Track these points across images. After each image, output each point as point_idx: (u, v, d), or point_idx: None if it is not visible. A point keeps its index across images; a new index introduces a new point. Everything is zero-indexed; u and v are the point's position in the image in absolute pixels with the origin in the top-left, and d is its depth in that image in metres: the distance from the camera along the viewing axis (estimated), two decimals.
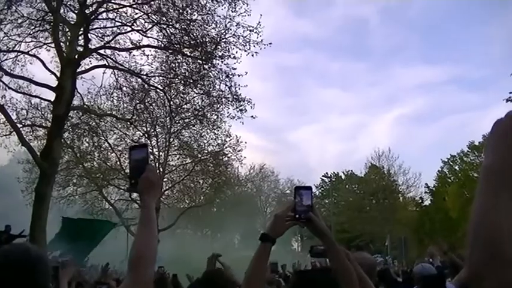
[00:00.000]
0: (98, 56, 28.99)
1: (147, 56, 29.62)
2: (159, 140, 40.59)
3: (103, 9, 27.86)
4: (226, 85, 29.68)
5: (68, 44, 26.63)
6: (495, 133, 1.62)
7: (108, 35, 28.83)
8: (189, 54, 28.98)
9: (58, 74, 26.06)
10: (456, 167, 66.92)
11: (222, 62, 28.69)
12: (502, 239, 1.43)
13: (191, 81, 29.98)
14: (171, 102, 32.57)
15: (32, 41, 28.22)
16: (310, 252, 4.17)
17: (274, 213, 3.68)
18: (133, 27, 28.40)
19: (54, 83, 26.02)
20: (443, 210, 60.52)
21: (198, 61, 29.09)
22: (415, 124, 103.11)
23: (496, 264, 1.41)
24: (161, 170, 41.23)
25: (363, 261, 5.10)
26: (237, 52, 28.17)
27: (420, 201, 69.09)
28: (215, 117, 34.00)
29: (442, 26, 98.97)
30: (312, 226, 3.45)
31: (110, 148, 38.04)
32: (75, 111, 30.43)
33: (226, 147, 40.62)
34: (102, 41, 28.77)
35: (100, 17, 28.17)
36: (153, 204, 2.88)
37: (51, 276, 2.59)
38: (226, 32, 27.98)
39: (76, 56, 26.06)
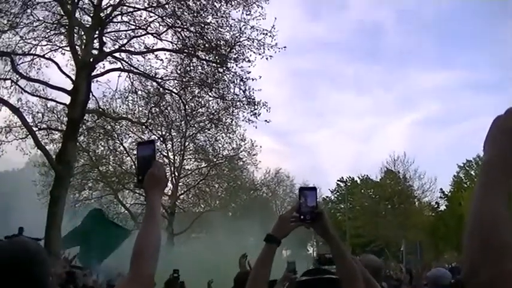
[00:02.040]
0: (113, 60, 29.06)
1: (162, 59, 29.68)
2: (174, 143, 40.88)
3: (118, 13, 27.98)
4: (240, 89, 29.61)
5: (83, 47, 26.75)
6: (495, 129, 1.66)
7: (123, 38, 28.92)
8: (203, 57, 28.99)
9: (73, 77, 26.21)
10: (472, 172, 66.63)
11: (236, 65, 28.64)
12: (498, 231, 1.45)
13: (206, 84, 29.96)
14: (186, 106, 32.55)
15: (47, 45, 28.40)
16: (317, 260, 4.16)
17: (279, 215, 3.68)
18: (147, 30, 28.53)
19: (69, 86, 26.20)
20: (459, 216, 60.28)
21: (213, 64, 29.08)
22: (430, 128, 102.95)
23: (491, 257, 1.42)
24: (176, 174, 41.46)
25: (369, 263, 5.10)
26: (251, 55, 28.16)
27: (436, 206, 68.91)
28: (230, 121, 33.91)
29: (457, 29, 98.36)
30: (317, 227, 3.44)
31: (125, 152, 38.24)
32: (90, 115, 30.49)
33: (241, 151, 40.85)
34: (116, 44, 28.90)
35: (115, 20, 28.33)
36: (158, 200, 2.86)
37: (48, 271, 2.55)
38: (241, 35, 27.98)
39: (91, 59, 26.19)
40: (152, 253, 2.64)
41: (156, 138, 36.06)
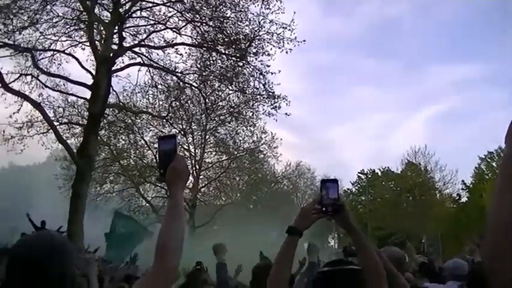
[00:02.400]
0: (133, 54, 29.21)
1: (181, 54, 29.76)
2: (194, 137, 40.91)
3: (137, 8, 28.12)
4: (260, 82, 29.56)
5: (102, 42, 26.92)
6: None
7: (142, 33, 29.05)
8: (223, 51, 29.01)
9: (93, 72, 26.37)
10: (494, 164, 66.00)
11: (256, 59, 28.60)
12: None
13: (226, 78, 29.99)
14: (207, 100, 32.61)
15: (67, 40, 28.52)
16: (343, 252, 4.22)
17: (301, 207, 3.71)
18: (167, 25, 28.62)
19: (90, 81, 26.41)
20: (480, 207, 59.73)
21: (232, 58, 29.08)
22: (451, 121, 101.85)
23: (510, 256, 1.41)
24: (197, 167, 41.50)
25: (392, 255, 5.11)
26: (271, 49, 28.08)
27: (457, 197, 68.36)
28: (250, 114, 33.87)
29: (478, 22, 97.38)
30: (339, 219, 3.46)
31: (146, 145, 38.34)
32: (111, 109, 30.67)
33: (261, 144, 40.79)
34: (136, 39, 29.00)
35: (134, 15, 28.45)
36: (181, 193, 2.88)
37: (74, 264, 2.62)
38: (260, 29, 27.87)
39: (111, 54, 26.32)
40: (176, 246, 2.68)
41: (177, 131, 36.03)
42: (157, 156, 35.83)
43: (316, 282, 3.56)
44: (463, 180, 67.61)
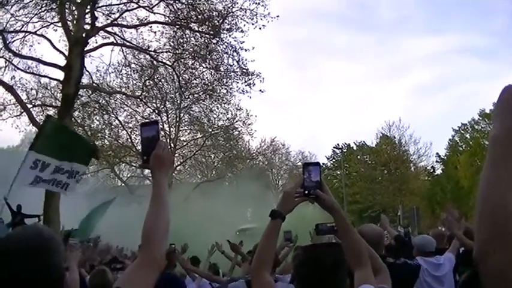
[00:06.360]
0: (106, 34, 28.90)
1: (155, 32, 29.55)
2: (169, 115, 40.74)
3: None
4: (234, 59, 29.64)
5: (75, 22, 26.60)
6: (502, 101, 1.57)
7: (115, 13, 28.72)
8: (196, 29, 28.88)
9: (66, 53, 26.10)
10: (467, 135, 66.40)
11: (229, 35, 28.66)
12: (507, 215, 1.41)
13: (200, 55, 29.89)
14: (180, 78, 32.51)
15: (39, 21, 28.16)
16: (315, 230, 4.19)
17: (283, 190, 3.72)
18: (139, 3, 28.34)
19: (62, 62, 26.10)
20: (455, 179, 60.27)
21: (206, 35, 28.99)
22: (425, 94, 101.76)
23: (501, 242, 1.40)
24: (172, 145, 41.40)
25: (370, 232, 5.10)
26: (244, 25, 28.12)
27: (432, 170, 68.91)
28: (224, 91, 33.89)
29: None
30: (321, 202, 3.46)
31: (120, 125, 38.19)
32: (84, 90, 30.43)
33: (236, 121, 40.77)
34: (109, 18, 28.65)
35: None
36: (165, 180, 2.85)
37: (62, 257, 2.57)
38: (233, 5, 27.90)
39: (83, 35, 26.03)
40: (162, 234, 2.66)
41: (151, 110, 36.05)
42: (131, 135, 35.59)
43: (297, 257, 3.59)
44: (437, 153, 68.19)
